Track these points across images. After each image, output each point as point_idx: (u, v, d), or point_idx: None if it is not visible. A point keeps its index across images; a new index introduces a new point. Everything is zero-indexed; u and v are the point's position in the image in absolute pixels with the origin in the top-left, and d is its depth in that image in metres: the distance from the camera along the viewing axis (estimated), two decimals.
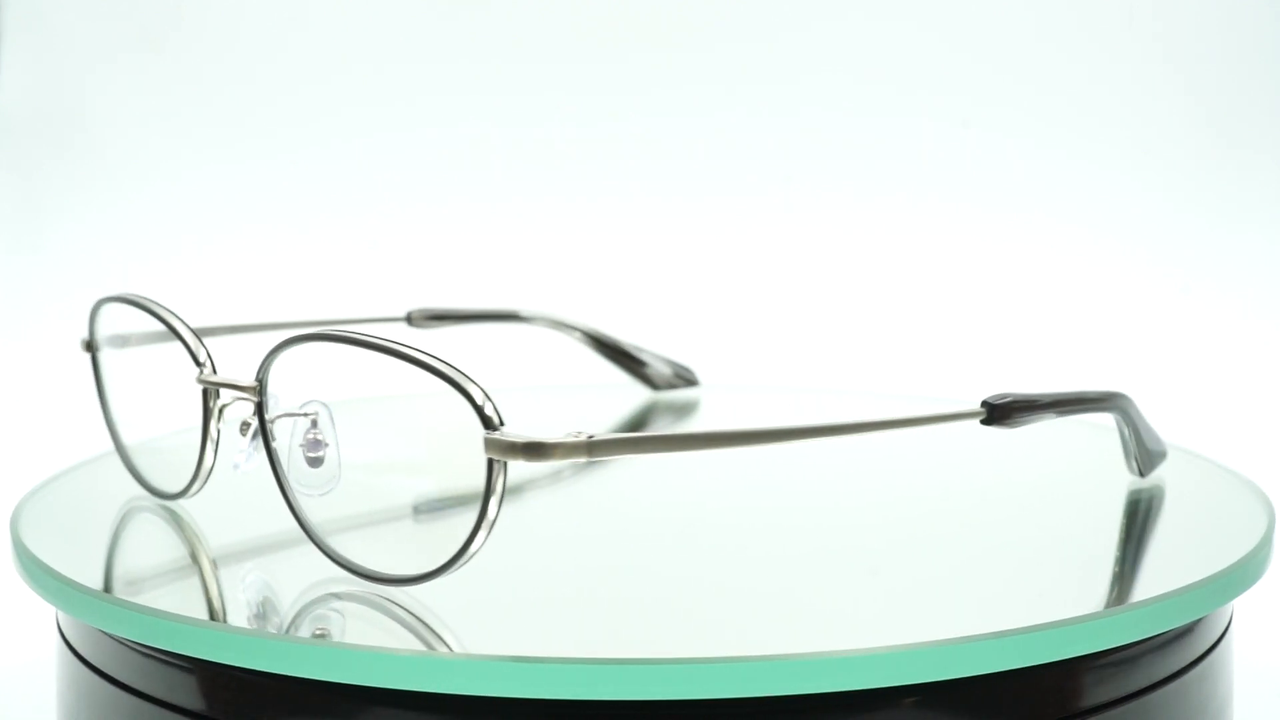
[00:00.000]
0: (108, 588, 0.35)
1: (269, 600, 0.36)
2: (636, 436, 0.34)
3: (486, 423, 0.33)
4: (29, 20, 0.77)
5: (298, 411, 0.36)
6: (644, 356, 0.55)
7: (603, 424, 0.51)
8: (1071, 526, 0.40)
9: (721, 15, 0.78)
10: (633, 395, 0.54)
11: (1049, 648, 0.32)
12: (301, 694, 0.33)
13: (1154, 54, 0.77)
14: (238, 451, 0.37)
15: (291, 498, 0.36)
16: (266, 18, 0.78)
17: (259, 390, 0.36)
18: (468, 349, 0.66)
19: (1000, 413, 0.38)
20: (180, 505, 0.41)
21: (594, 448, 0.33)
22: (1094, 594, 0.35)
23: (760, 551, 0.39)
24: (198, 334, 0.39)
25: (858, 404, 0.55)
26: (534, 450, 0.32)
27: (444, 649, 0.32)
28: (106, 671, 0.36)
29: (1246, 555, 0.36)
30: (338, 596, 0.36)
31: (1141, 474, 0.42)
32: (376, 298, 0.64)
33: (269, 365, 0.36)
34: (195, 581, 0.37)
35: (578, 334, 0.55)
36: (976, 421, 0.38)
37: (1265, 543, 0.37)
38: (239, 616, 0.35)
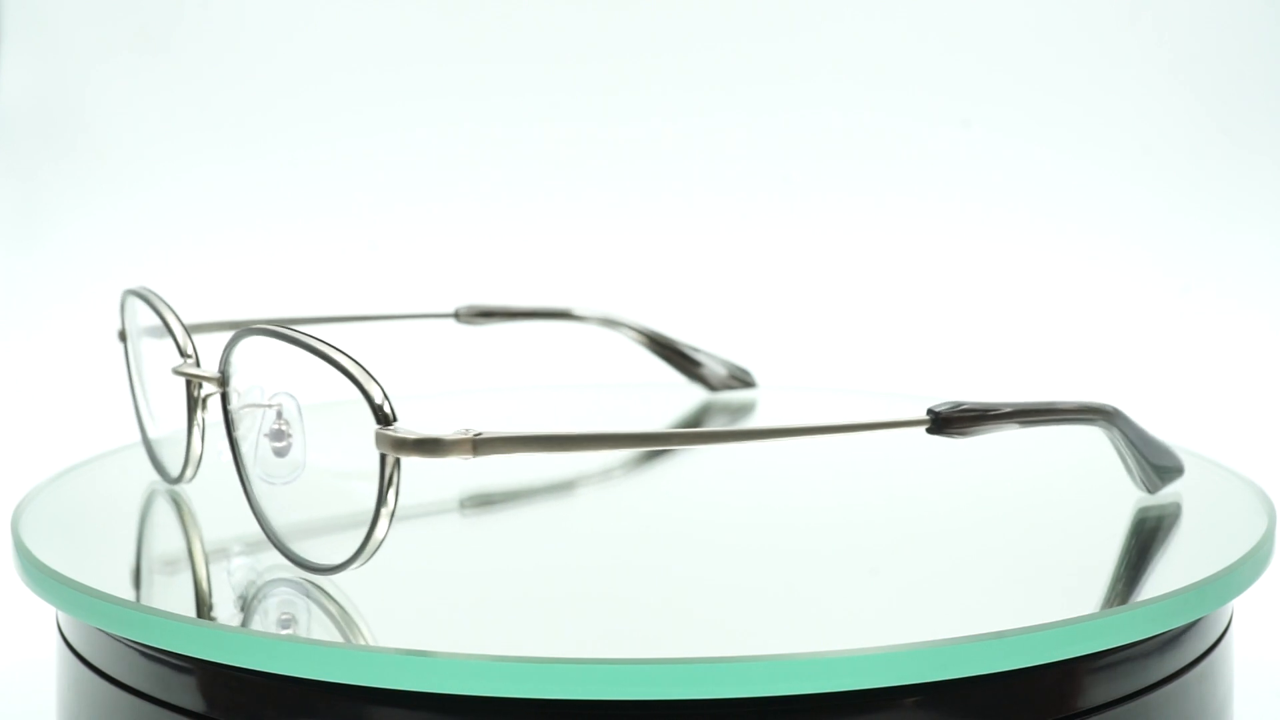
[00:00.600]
0: (107, 588, 0.35)
1: (259, 594, 0.36)
2: (523, 435, 0.34)
3: (380, 419, 0.34)
4: (29, 20, 0.77)
5: (263, 402, 0.37)
6: (699, 357, 0.54)
7: (659, 423, 0.51)
8: (1072, 526, 0.40)
9: (761, 13, 0.77)
10: (688, 396, 0.53)
11: (1049, 648, 0.32)
12: (301, 694, 0.33)
13: (1154, 54, 0.77)
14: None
15: (246, 483, 0.37)
16: (269, 17, 0.78)
17: (222, 380, 0.37)
18: (520, 347, 0.66)
19: (945, 422, 0.37)
20: (181, 503, 0.41)
21: (479, 445, 0.33)
22: (1094, 594, 0.35)
23: (760, 551, 0.39)
24: (188, 329, 0.40)
25: (882, 406, 0.54)
26: (420, 446, 0.33)
27: (444, 649, 0.32)
28: (106, 671, 0.36)
29: (1246, 555, 0.36)
30: (339, 595, 0.36)
31: (1149, 490, 0.41)
32: (452, 293, 0.63)
33: (228, 357, 0.37)
34: (195, 581, 0.37)
35: (632, 333, 0.54)
36: (922, 430, 0.37)
37: (1265, 542, 0.37)
38: (238, 616, 0.35)
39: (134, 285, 0.43)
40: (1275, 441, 0.68)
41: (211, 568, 0.38)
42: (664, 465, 0.47)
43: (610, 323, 0.54)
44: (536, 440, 0.34)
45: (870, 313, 0.75)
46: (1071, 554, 0.38)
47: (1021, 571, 0.37)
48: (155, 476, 0.43)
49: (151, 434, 0.44)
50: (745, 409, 0.53)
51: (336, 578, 0.36)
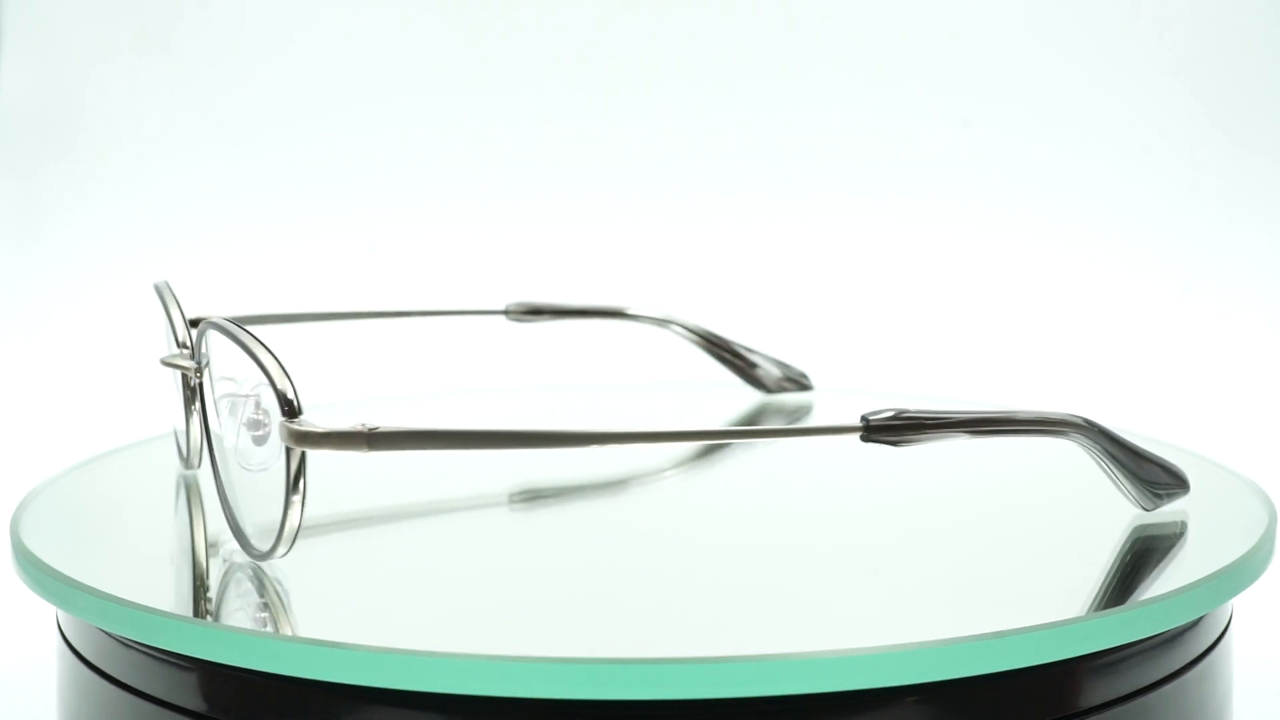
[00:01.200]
0: (108, 587, 0.35)
1: (259, 590, 0.36)
2: (418, 431, 0.35)
3: (287, 411, 0.34)
4: (29, 20, 0.77)
5: (241, 392, 0.38)
6: (755, 358, 0.53)
7: (712, 423, 0.51)
8: (1072, 527, 0.40)
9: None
10: (742, 397, 0.53)
11: (1049, 648, 0.32)
12: (301, 694, 0.33)
13: (1154, 54, 0.77)
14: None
15: (218, 468, 0.37)
16: (268, 17, 0.78)
17: (197, 369, 0.38)
18: (574, 345, 0.66)
19: (879, 430, 0.36)
20: (181, 502, 0.41)
21: (374, 440, 0.34)
22: (1093, 594, 0.35)
23: (760, 551, 0.39)
24: (189, 322, 0.41)
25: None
26: (315, 439, 0.34)
27: (444, 649, 0.32)
28: (106, 671, 0.36)
29: (1246, 554, 0.36)
30: (337, 595, 0.36)
31: (1144, 507, 0.39)
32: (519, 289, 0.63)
33: (200, 347, 0.38)
34: (196, 581, 0.37)
35: (686, 333, 0.53)
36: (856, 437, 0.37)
37: (1265, 541, 0.37)
38: (238, 615, 0.35)
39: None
40: (1275, 441, 0.68)
41: (212, 567, 0.38)
42: (718, 465, 0.47)
43: (663, 322, 0.53)
44: (432, 436, 0.35)
45: (876, 311, 0.75)
46: (1071, 554, 0.38)
47: (1021, 571, 0.37)
48: (155, 476, 0.43)
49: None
50: (798, 412, 0.52)
51: (337, 577, 0.36)
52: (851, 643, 0.32)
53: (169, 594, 0.36)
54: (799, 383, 0.53)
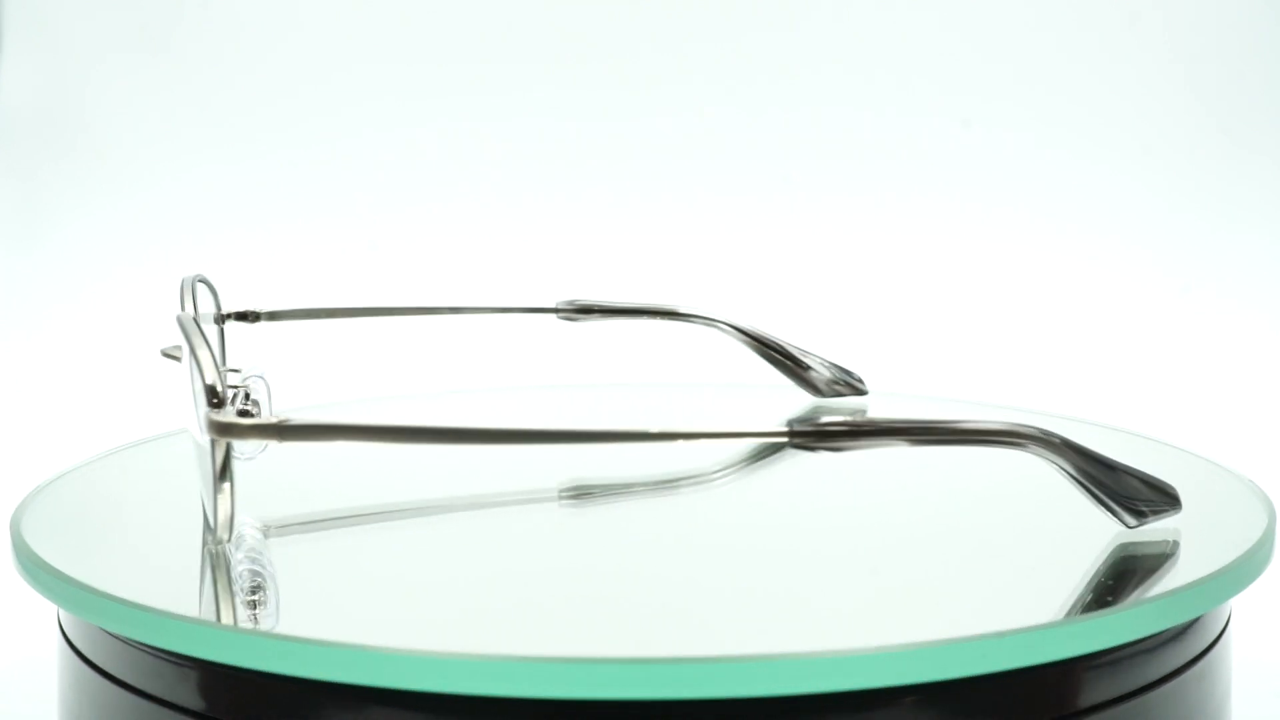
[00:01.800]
0: (108, 586, 0.35)
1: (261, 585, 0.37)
2: (327, 424, 0.36)
3: (211, 402, 0.35)
4: (29, 20, 0.77)
5: (233, 384, 0.39)
6: (808, 360, 0.52)
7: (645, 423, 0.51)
8: (1072, 527, 0.40)
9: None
10: (793, 399, 0.52)
11: (1049, 647, 0.32)
12: (301, 694, 0.33)
13: (1155, 54, 0.77)
14: None
15: (199, 456, 0.38)
16: (268, 17, 0.78)
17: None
18: (626, 344, 0.66)
19: (806, 437, 0.36)
20: (184, 499, 0.41)
21: (285, 431, 0.35)
22: (1092, 594, 0.35)
23: (760, 551, 0.39)
24: (199, 320, 0.41)
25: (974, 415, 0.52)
26: (231, 430, 0.35)
27: (444, 649, 0.32)
28: (107, 670, 0.36)
29: (1245, 554, 0.36)
30: (338, 594, 0.36)
31: (1126, 525, 0.38)
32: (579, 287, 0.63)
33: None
34: (196, 580, 0.37)
35: (736, 333, 0.52)
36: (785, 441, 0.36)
37: (1264, 542, 0.37)
38: (239, 615, 0.35)
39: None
40: (1275, 441, 0.68)
41: (212, 566, 0.38)
42: (719, 465, 0.47)
43: (714, 322, 0.52)
44: (338, 430, 0.36)
45: (875, 312, 0.75)
46: (1071, 555, 0.38)
47: (1020, 571, 0.37)
48: (157, 475, 0.43)
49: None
50: (855, 415, 0.51)
51: (338, 576, 0.36)
52: (851, 643, 0.32)
53: (170, 593, 0.36)
54: (853, 386, 0.52)
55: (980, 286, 0.76)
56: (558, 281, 0.73)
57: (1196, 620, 0.36)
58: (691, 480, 0.44)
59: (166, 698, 0.35)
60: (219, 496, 0.36)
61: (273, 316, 0.49)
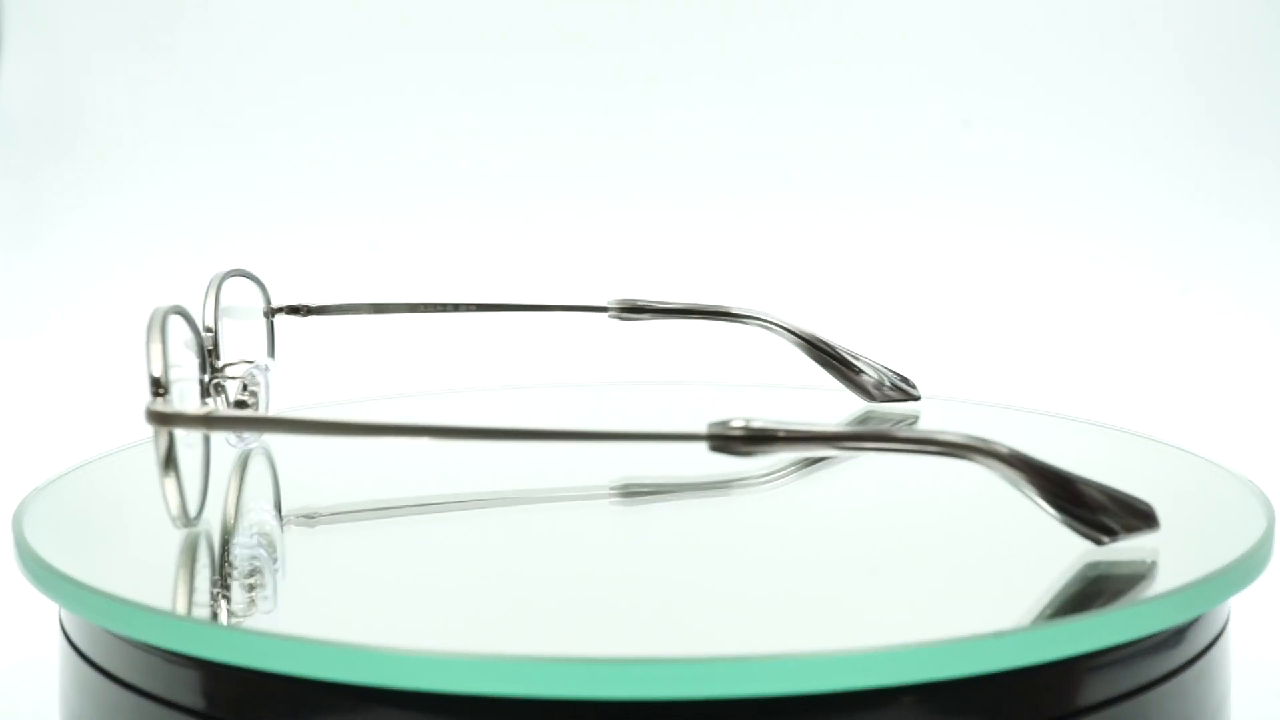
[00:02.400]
0: (110, 586, 0.35)
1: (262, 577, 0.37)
2: (248, 416, 0.38)
3: (153, 391, 0.36)
4: (29, 20, 0.77)
5: (232, 375, 0.42)
6: (860, 364, 0.51)
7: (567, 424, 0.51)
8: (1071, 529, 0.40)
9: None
10: (845, 403, 0.51)
11: (1048, 647, 0.32)
12: (301, 694, 0.33)
13: (1155, 54, 0.77)
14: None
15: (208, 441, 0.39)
16: (269, 17, 0.78)
17: (200, 350, 0.41)
18: (677, 344, 0.66)
19: (723, 440, 0.35)
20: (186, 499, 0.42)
21: (212, 422, 0.36)
22: (1092, 593, 0.35)
23: (760, 551, 0.39)
24: (216, 317, 0.44)
25: (1026, 423, 0.51)
26: (166, 419, 0.36)
27: (444, 649, 0.32)
28: (108, 669, 0.36)
29: (1244, 554, 0.36)
30: (338, 593, 0.36)
31: (1094, 542, 0.36)
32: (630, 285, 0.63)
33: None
34: (197, 580, 0.37)
35: (789, 335, 0.51)
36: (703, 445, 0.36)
37: (1264, 542, 0.37)
38: (239, 615, 0.35)
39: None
40: (1275, 441, 0.68)
41: (214, 565, 0.38)
42: (715, 466, 0.46)
43: (767, 323, 0.51)
44: (259, 422, 0.38)
45: (876, 311, 0.75)
46: (1070, 554, 0.38)
47: (1020, 571, 0.37)
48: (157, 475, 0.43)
49: None
50: (901, 423, 0.50)
51: (339, 576, 0.36)
52: (851, 643, 0.32)
53: (170, 593, 0.36)
54: (904, 390, 0.51)
55: (980, 286, 0.76)
56: (602, 281, 0.74)
57: (1196, 620, 0.36)
58: (741, 483, 0.44)
59: (167, 697, 0.35)
60: (166, 488, 0.37)
61: (321, 311, 0.50)
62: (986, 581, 0.37)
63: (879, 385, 0.51)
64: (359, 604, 0.36)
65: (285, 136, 0.78)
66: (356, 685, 0.32)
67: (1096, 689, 0.34)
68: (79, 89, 0.77)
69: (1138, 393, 0.72)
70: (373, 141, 0.78)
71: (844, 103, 0.78)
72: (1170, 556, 0.37)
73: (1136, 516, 0.36)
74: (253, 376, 0.42)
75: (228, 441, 0.44)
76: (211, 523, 0.40)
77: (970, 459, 0.36)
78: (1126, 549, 0.37)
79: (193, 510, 0.38)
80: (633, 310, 0.51)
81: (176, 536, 0.40)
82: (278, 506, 0.42)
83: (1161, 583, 0.35)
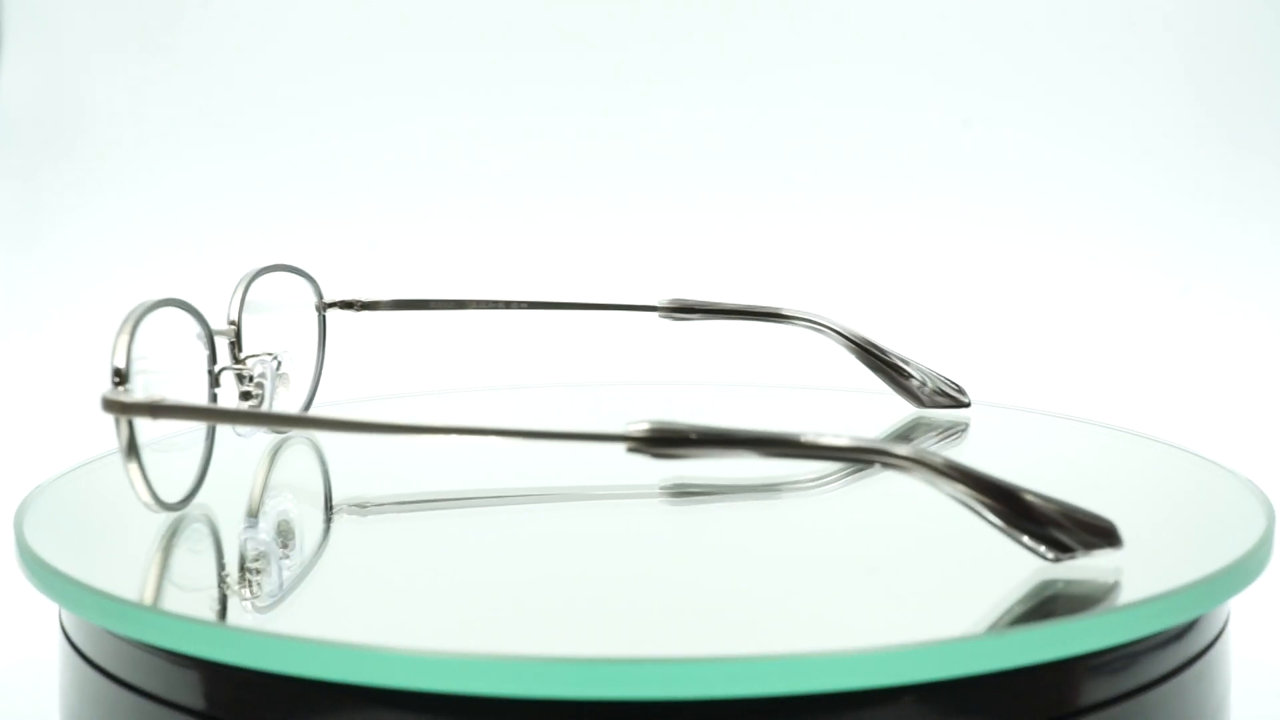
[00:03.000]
0: (110, 586, 0.35)
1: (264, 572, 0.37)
2: (192, 406, 0.39)
3: (114, 380, 0.38)
4: (29, 20, 0.77)
5: (237, 367, 0.43)
6: (910, 369, 0.50)
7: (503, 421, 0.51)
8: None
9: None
10: (893, 409, 0.51)
11: (1048, 647, 0.32)
12: (301, 694, 0.33)
13: (1156, 54, 0.77)
14: None
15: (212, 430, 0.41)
16: (269, 17, 0.78)
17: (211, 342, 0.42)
18: (726, 344, 0.66)
19: (642, 443, 0.35)
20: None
21: (158, 410, 0.37)
22: (1092, 593, 0.35)
23: (760, 551, 0.39)
24: (240, 311, 0.45)
25: (1075, 432, 0.50)
26: (118, 406, 0.37)
27: (444, 649, 0.32)
28: (108, 669, 0.36)
29: (1244, 555, 0.36)
30: (339, 593, 0.36)
31: (1045, 558, 0.36)
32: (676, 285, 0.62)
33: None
34: (197, 580, 0.37)
35: (840, 338, 0.51)
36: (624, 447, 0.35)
37: (1263, 542, 0.37)
38: (240, 615, 0.35)
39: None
40: (1275, 441, 0.68)
41: (214, 565, 0.38)
42: (713, 468, 0.46)
43: (818, 326, 0.51)
44: (201, 411, 0.39)
45: (876, 313, 0.75)
46: (1073, 558, 0.38)
47: (1020, 571, 0.37)
48: (158, 475, 0.43)
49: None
50: (949, 429, 0.49)
51: (339, 575, 0.36)
52: (851, 643, 0.32)
53: (170, 593, 0.36)
54: (953, 397, 0.50)
55: (980, 286, 0.76)
56: (602, 282, 0.74)
57: (1196, 620, 0.36)
58: (791, 487, 0.44)
59: (167, 697, 0.35)
60: (130, 476, 0.38)
61: (373, 306, 0.51)
62: (987, 581, 0.37)
63: (927, 391, 0.50)
64: (359, 604, 0.36)
65: (285, 136, 0.78)
66: (356, 685, 0.32)
67: (1096, 689, 0.34)
68: (79, 89, 0.77)
69: (1138, 393, 0.72)
70: (373, 141, 0.78)
71: (844, 103, 0.78)
72: (1170, 556, 0.37)
73: (1095, 534, 0.35)
74: (259, 369, 0.43)
75: (235, 433, 0.44)
76: (215, 520, 0.40)
77: (901, 469, 0.35)
78: (1125, 551, 0.37)
79: (172, 498, 0.39)
80: (683, 310, 0.51)
81: (176, 537, 0.40)
82: (287, 500, 0.43)
83: (1161, 583, 0.35)
